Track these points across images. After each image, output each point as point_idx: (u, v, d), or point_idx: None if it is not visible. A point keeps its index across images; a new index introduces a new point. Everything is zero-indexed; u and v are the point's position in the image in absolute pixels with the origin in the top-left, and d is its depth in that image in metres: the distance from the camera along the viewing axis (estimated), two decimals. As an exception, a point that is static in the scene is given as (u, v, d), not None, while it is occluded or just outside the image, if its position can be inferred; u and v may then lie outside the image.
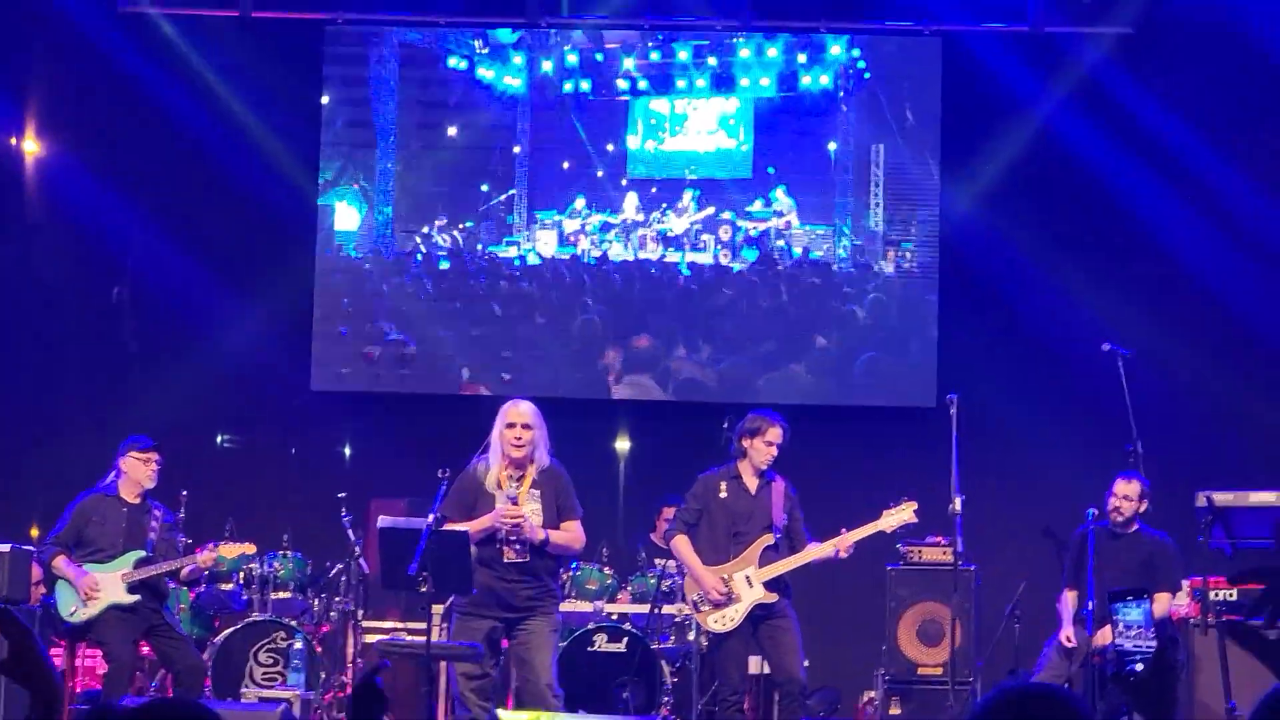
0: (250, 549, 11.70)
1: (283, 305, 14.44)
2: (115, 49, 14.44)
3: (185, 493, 12.23)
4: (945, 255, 14.26)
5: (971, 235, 14.28)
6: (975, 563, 12.23)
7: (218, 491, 13.59)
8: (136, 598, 11.02)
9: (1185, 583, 10.96)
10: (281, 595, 12.66)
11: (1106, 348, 11.75)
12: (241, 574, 12.55)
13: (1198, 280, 14.13)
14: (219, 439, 15.02)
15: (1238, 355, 14.06)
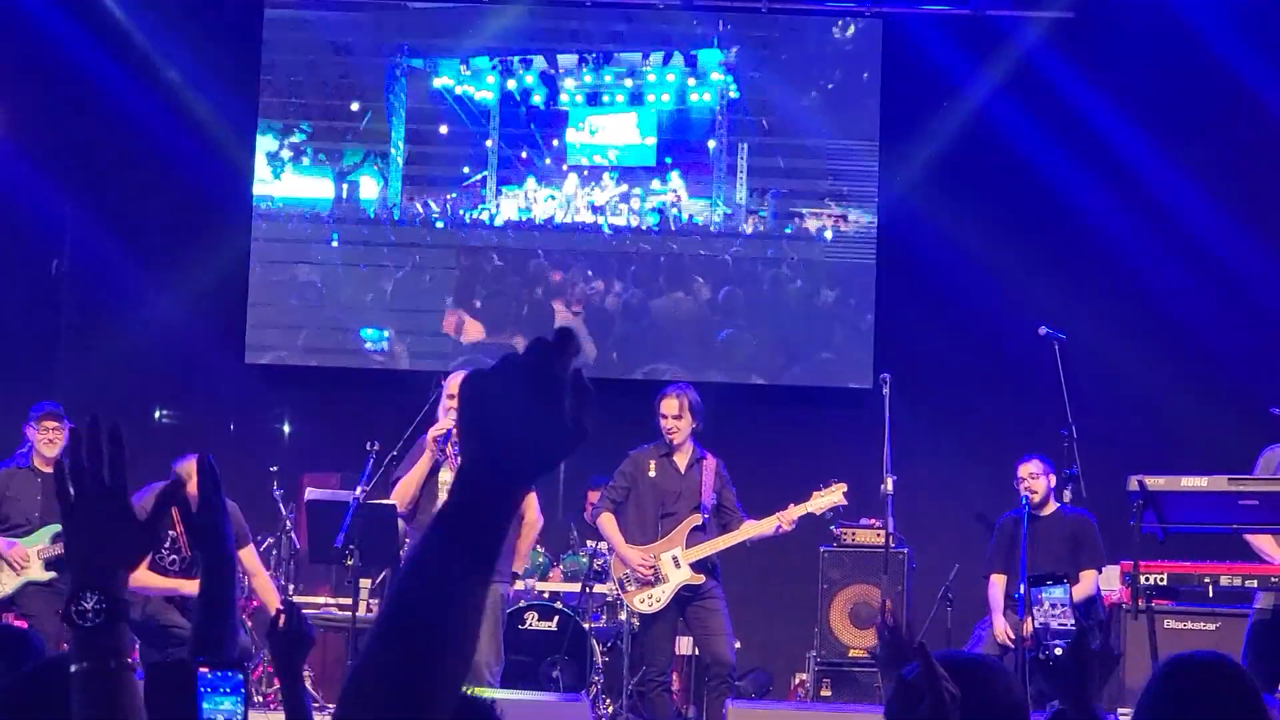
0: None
1: (220, 278, 14.21)
2: (51, 21, 14.12)
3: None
4: (883, 237, 14.10)
5: (909, 217, 14.09)
6: (908, 545, 12.00)
7: (151, 465, 13.28)
8: (53, 574, 10.55)
9: (1115, 568, 10.73)
10: (212, 570, 12.33)
11: (1043, 331, 11.48)
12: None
13: (1132, 265, 13.91)
14: (157, 414, 14.70)
15: (1172, 340, 13.82)
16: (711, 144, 13.59)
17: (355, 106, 13.68)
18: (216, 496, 3.66)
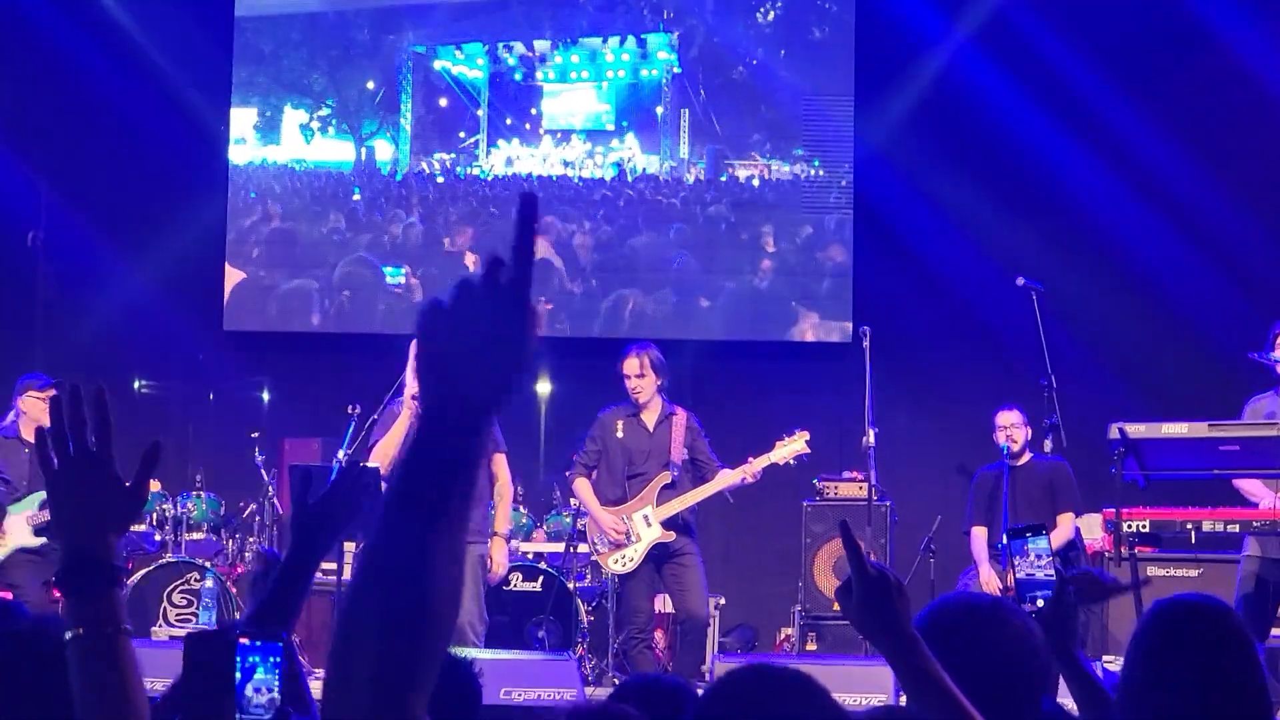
0: (155, 486, 11.29)
1: (194, 245, 14.21)
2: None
3: (96, 433, 11.82)
4: (859, 191, 14.07)
5: (886, 170, 14.05)
6: (891, 498, 11.96)
7: (132, 433, 13.18)
8: (43, 540, 10.52)
9: (1098, 515, 10.69)
10: (195, 536, 12.27)
11: (1020, 282, 11.40)
12: (154, 515, 12.17)
13: (1110, 214, 13.84)
14: (136, 384, 14.63)
15: (1150, 289, 13.77)
16: (659, 110, 15.64)
17: (370, 85, 15.77)
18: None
